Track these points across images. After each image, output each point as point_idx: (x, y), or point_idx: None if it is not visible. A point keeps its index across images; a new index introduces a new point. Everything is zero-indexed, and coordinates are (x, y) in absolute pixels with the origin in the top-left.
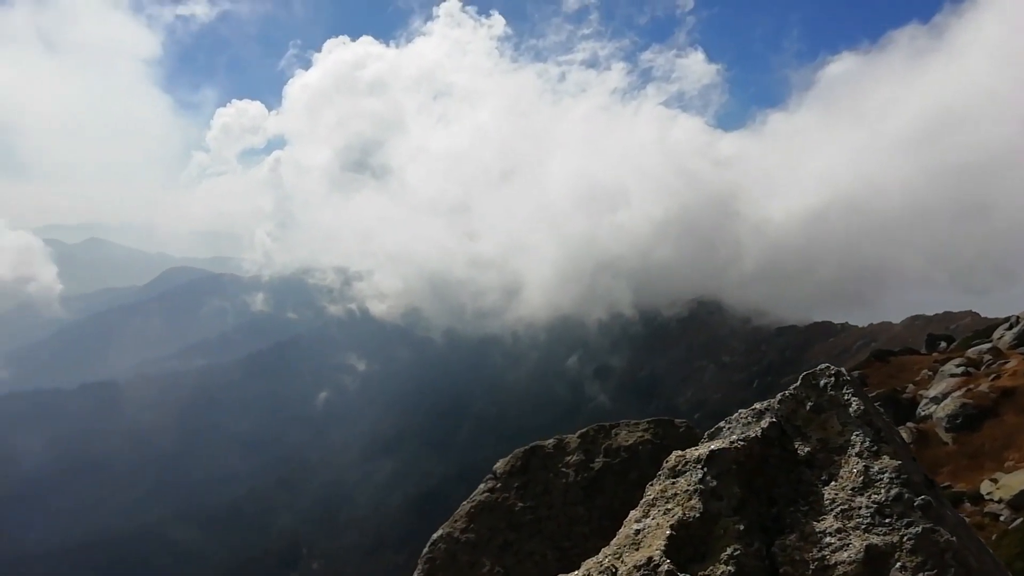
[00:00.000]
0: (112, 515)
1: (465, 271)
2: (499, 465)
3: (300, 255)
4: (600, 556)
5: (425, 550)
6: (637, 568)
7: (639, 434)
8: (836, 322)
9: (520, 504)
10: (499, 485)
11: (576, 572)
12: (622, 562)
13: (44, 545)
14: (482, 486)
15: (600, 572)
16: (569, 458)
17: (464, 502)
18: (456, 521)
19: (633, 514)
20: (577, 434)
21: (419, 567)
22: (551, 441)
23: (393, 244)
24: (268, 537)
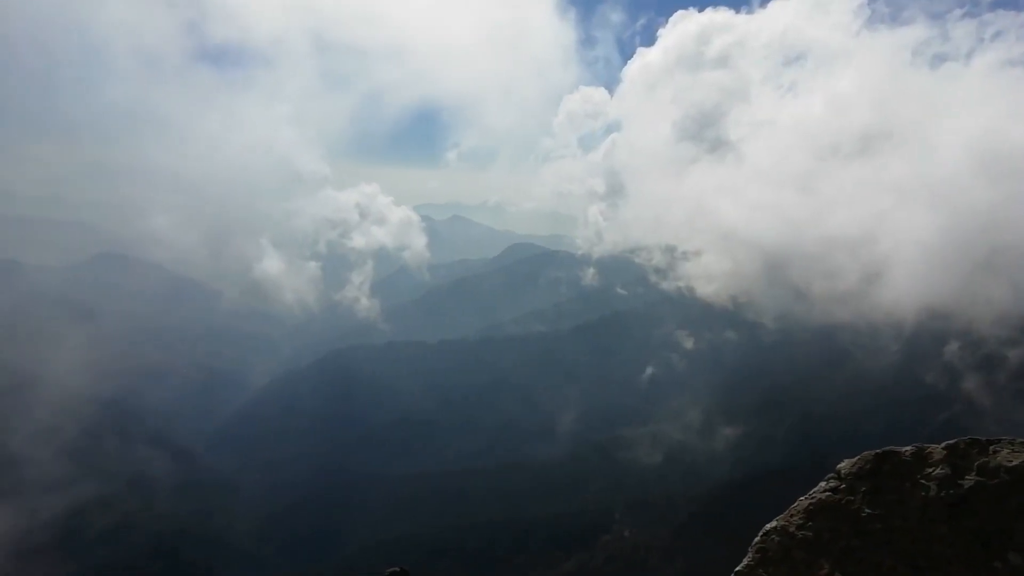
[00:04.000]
0: (459, 456)
1: (809, 253)
2: (844, 465)
3: (629, 234)
4: None
5: (757, 539)
6: None
7: None
8: None
9: (867, 510)
10: (843, 486)
11: None
12: None
13: (416, 468)
14: (823, 484)
15: None
16: (931, 470)
17: (802, 498)
18: (792, 516)
19: None
20: (943, 445)
21: (749, 555)
22: (909, 448)
23: (726, 223)
24: (584, 497)
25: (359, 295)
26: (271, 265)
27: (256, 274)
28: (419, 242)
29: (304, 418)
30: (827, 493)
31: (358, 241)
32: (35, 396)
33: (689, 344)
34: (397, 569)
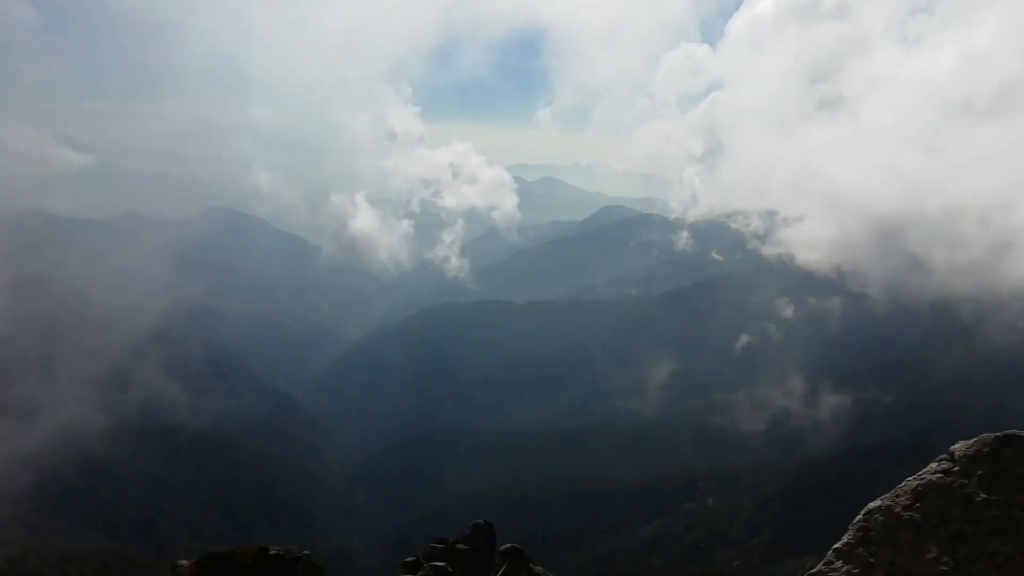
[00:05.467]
0: (544, 415)
1: (930, 219)
2: (959, 447)
3: (726, 198)
4: None
5: (858, 518)
6: None
7: None
8: None
9: (983, 496)
10: (956, 468)
11: None
12: None
13: (501, 425)
14: (934, 465)
15: None
16: None
17: (909, 478)
18: (898, 496)
19: None
20: None
21: (849, 533)
22: None
23: (835, 186)
24: (668, 464)
25: (449, 254)
26: (366, 222)
27: (352, 230)
28: (510, 203)
29: (395, 372)
30: (938, 475)
31: (449, 200)
32: (147, 340)
33: (788, 313)
34: (481, 522)
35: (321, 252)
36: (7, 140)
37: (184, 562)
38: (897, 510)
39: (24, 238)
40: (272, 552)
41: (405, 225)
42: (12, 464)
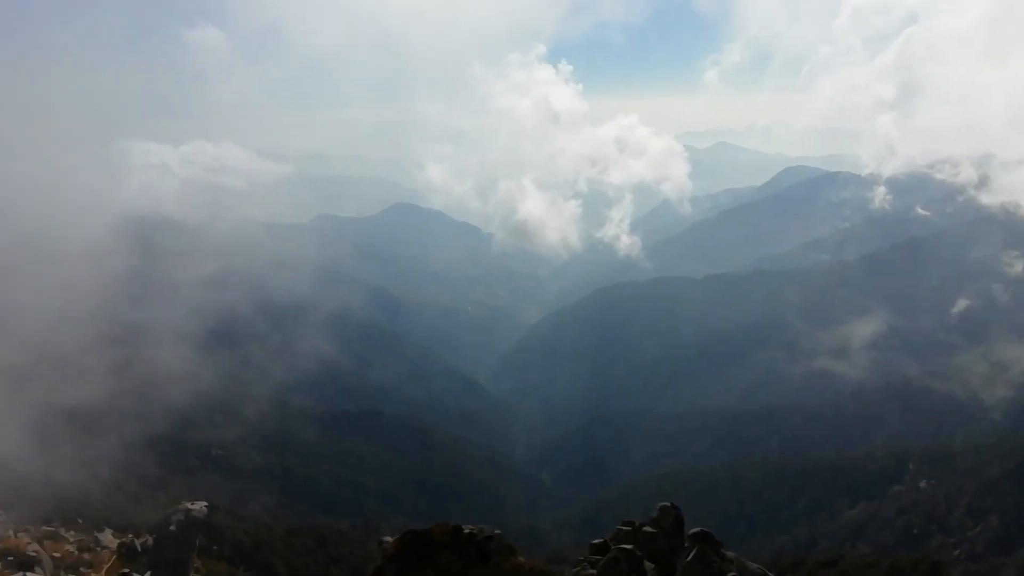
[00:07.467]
0: (729, 394)
1: None
2: None
3: (929, 146)
4: None
5: None
6: None
7: None
8: None
9: None
10: None
11: None
12: None
13: (683, 405)
14: None
15: None
16: None
17: None
18: None
19: None
20: None
21: None
22: None
23: None
24: (871, 442)
25: (619, 232)
26: (535, 206)
27: (521, 215)
28: (680, 173)
29: (573, 353)
30: None
31: (616, 176)
32: (347, 332)
33: (1018, 268)
34: (668, 504)
35: (494, 239)
36: (223, 158)
37: (388, 538)
38: None
39: (237, 244)
40: (466, 531)
41: (573, 206)
42: (248, 448)
